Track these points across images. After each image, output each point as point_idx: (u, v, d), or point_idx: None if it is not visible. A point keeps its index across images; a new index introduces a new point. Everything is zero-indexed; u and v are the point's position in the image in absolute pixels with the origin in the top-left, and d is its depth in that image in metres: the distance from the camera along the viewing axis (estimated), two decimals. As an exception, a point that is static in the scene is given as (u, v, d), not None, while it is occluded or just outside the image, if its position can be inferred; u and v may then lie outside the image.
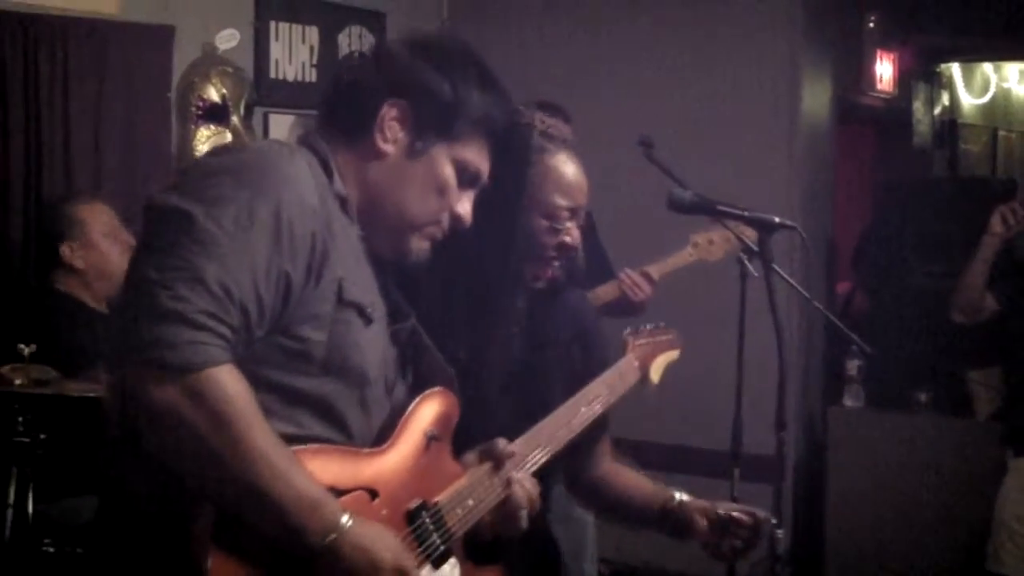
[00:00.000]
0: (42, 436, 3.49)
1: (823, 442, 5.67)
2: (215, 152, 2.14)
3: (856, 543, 5.45)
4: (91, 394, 3.43)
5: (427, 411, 2.17)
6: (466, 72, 2.14)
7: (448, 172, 2.12)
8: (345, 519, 1.87)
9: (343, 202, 2.05)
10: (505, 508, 2.25)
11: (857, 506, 5.46)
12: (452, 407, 2.22)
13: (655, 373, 2.83)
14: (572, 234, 2.51)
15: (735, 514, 2.59)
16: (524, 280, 2.48)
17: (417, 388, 2.20)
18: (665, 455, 5.06)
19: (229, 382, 1.80)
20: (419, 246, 2.14)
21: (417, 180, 2.11)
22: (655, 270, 4.32)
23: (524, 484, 2.27)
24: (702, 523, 2.60)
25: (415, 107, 2.09)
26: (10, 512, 3.46)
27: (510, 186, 2.34)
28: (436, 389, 2.21)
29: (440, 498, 2.15)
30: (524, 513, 2.26)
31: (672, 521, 2.63)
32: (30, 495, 3.49)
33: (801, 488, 5.62)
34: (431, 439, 2.15)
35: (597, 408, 2.56)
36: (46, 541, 3.53)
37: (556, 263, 2.53)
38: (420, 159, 2.10)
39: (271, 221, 1.87)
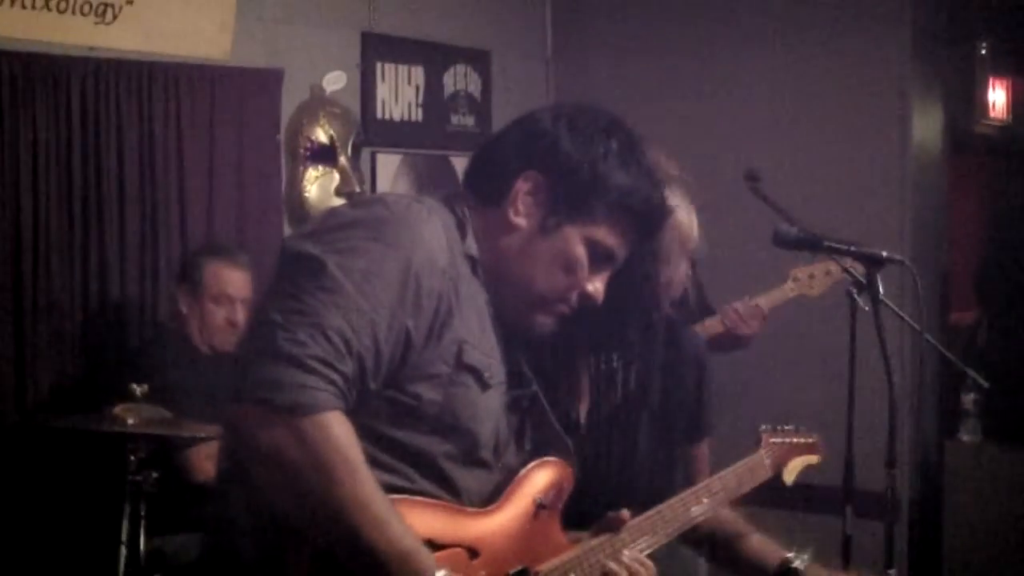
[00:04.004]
0: (154, 475, 3.55)
1: (939, 478, 5.54)
2: (354, 203, 2.16)
3: (975, 582, 5.31)
4: (202, 435, 3.48)
5: (540, 478, 2.15)
6: (609, 150, 2.07)
7: (579, 251, 2.07)
8: (440, 575, 1.86)
9: (474, 264, 2.04)
10: None
11: (975, 544, 5.31)
12: (566, 479, 2.20)
13: (789, 475, 2.78)
14: (680, 273, 2.49)
15: None
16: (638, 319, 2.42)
17: (533, 457, 2.18)
18: (778, 492, 4.98)
19: (335, 428, 1.82)
20: (543, 321, 2.11)
21: (546, 256, 2.06)
22: (764, 303, 4.26)
23: (630, 568, 2.21)
24: None
25: (551, 182, 2.05)
26: (123, 549, 3.52)
27: (642, 256, 2.25)
28: (552, 459, 2.19)
29: (543, 568, 2.12)
30: None
31: None
32: (142, 533, 3.54)
33: (917, 525, 5.49)
34: (540, 507, 2.13)
35: (720, 499, 2.52)
36: (156, 577, 3.60)
37: (666, 302, 2.50)
38: (551, 235, 2.06)
39: (399, 277, 1.89)
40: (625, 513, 2.25)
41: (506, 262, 2.07)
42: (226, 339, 4.12)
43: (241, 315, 4.16)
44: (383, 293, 1.87)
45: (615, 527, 2.24)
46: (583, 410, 2.40)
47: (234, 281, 4.18)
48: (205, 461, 3.68)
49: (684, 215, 2.46)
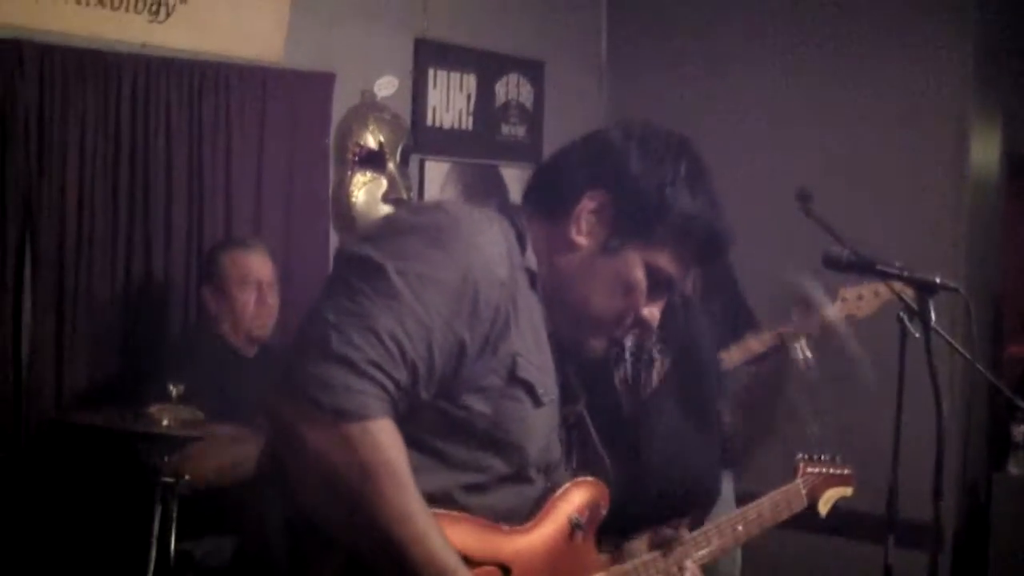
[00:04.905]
0: (186, 476, 3.53)
1: (986, 510, 5.45)
2: (414, 210, 2.15)
3: (1021, 618, 5.21)
4: (237, 438, 3.46)
5: (576, 497, 2.12)
6: (678, 173, 2.02)
7: (639, 275, 2.02)
8: None
9: (533, 277, 2.00)
10: None
11: (1021, 578, 5.23)
12: (602, 499, 2.17)
13: (824, 506, 2.77)
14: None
15: None
16: None
17: (575, 476, 2.16)
18: (819, 518, 4.91)
19: (383, 437, 1.78)
20: (596, 342, 2.07)
21: (605, 277, 2.02)
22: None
23: None
24: None
25: (617, 203, 2.01)
26: (153, 550, 3.50)
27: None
28: (589, 478, 2.16)
29: None
30: None
31: None
32: (173, 534, 3.52)
33: (961, 558, 5.40)
34: (576, 526, 2.10)
35: (754, 529, 2.50)
36: (188, 579, 3.58)
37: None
38: (612, 257, 2.01)
39: (456, 285, 1.85)
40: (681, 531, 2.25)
41: (563, 280, 2.03)
42: (261, 323, 4.11)
43: (270, 298, 4.15)
44: (440, 300, 1.84)
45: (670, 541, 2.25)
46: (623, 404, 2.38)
47: (253, 264, 4.15)
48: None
49: None
